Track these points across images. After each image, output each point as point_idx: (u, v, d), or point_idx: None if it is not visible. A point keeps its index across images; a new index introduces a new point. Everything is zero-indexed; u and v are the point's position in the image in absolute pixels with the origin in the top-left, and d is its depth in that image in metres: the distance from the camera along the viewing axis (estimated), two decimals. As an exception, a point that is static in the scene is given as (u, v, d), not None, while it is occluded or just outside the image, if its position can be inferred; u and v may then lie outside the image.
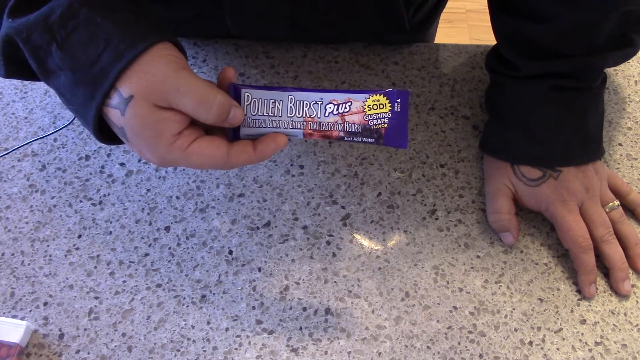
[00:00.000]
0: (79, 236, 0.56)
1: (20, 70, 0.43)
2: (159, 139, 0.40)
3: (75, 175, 0.59)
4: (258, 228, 0.56)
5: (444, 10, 0.77)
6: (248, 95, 0.43)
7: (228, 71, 0.44)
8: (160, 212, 0.57)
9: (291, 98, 0.43)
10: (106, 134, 0.43)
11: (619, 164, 0.61)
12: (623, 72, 0.67)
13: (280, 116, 0.43)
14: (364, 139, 0.43)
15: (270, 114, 0.43)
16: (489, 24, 0.59)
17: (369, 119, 0.43)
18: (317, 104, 0.43)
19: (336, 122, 0.43)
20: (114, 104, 0.40)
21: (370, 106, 0.43)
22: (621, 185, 0.57)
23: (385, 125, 0.42)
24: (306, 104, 0.43)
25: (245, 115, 0.43)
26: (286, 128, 0.43)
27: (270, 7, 0.61)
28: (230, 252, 0.55)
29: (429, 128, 0.62)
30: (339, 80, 0.65)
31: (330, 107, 0.43)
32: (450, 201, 0.58)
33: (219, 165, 0.42)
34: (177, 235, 0.56)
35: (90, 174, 0.59)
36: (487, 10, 0.59)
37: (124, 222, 0.57)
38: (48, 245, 0.55)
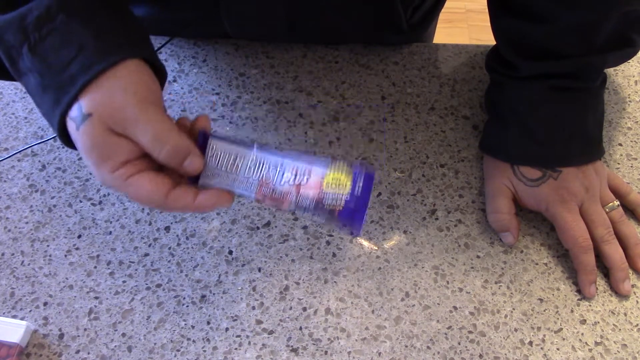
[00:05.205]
0: (79, 236, 0.56)
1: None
2: (103, 162, 0.40)
3: (75, 175, 0.59)
4: (258, 228, 0.56)
5: (444, 10, 0.77)
6: (213, 146, 0.42)
7: (201, 119, 0.43)
8: (160, 212, 0.57)
9: (254, 157, 0.42)
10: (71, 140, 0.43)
11: (619, 164, 0.61)
12: (623, 72, 0.67)
13: (237, 174, 0.42)
14: (314, 215, 0.41)
15: (228, 170, 0.42)
16: (489, 24, 0.59)
17: (324, 197, 0.40)
18: (276, 168, 0.41)
19: (290, 192, 0.41)
20: (72, 115, 0.40)
21: (329, 183, 0.40)
22: (621, 185, 0.57)
23: (340, 207, 0.40)
24: (266, 166, 0.41)
25: (208, 165, 0.42)
26: (239, 188, 0.42)
27: (266, 9, 0.61)
28: (230, 252, 0.55)
29: (429, 128, 0.62)
30: (339, 80, 0.65)
31: (287, 176, 0.41)
32: (450, 201, 0.58)
33: (155, 204, 0.41)
34: (177, 235, 0.56)
35: (90, 174, 0.59)
36: (487, 10, 0.59)
37: (124, 222, 0.57)
38: (48, 245, 0.55)
